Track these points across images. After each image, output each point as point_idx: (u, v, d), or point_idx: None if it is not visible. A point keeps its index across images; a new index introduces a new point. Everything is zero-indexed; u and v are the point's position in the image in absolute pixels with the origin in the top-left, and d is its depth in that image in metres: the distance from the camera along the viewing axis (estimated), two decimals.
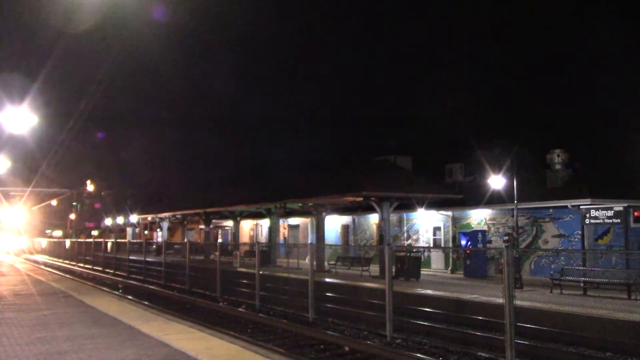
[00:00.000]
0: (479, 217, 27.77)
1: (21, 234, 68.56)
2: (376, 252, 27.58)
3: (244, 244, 40.64)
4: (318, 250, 27.22)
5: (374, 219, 31.53)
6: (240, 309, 18.17)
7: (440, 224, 29.75)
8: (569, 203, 23.49)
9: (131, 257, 33.99)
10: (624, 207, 21.39)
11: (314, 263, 18.16)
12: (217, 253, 25.31)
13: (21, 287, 19.53)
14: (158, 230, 61.31)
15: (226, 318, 16.73)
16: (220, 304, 19.75)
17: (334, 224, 35.80)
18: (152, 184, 74.29)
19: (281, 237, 40.25)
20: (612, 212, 21.36)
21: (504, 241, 19.22)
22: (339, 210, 32.92)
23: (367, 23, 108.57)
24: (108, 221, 76.17)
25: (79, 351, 8.66)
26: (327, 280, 23.53)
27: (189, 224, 50.76)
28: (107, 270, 35.44)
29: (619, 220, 21.57)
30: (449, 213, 28.84)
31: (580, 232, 23.32)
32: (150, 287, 25.82)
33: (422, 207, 28.09)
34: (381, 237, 25.97)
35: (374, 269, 26.44)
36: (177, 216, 47.09)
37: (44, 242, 65.23)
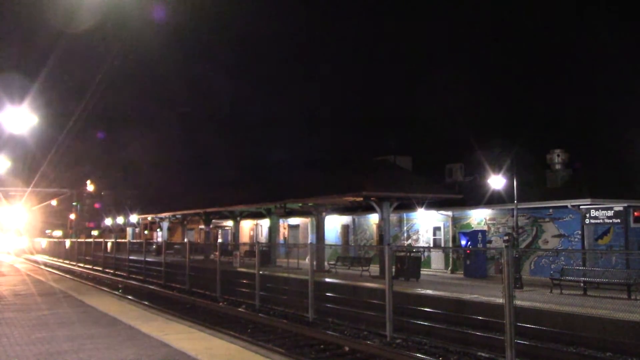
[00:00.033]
0: (479, 217, 27.76)
1: (21, 234, 68.52)
2: (376, 252, 27.57)
3: (244, 244, 40.64)
4: (318, 250, 27.22)
5: (374, 219, 31.53)
6: (240, 309, 18.16)
7: (440, 224, 29.75)
8: (569, 203, 23.49)
9: (131, 257, 33.98)
10: (624, 207, 21.40)
11: (314, 263, 18.16)
12: (217, 253, 25.31)
13: (21, 287, 19.53)
14: (158, 230, 61.32)
15: (226, 318, 16.72)
16: (220, 304, 19.74)
17: (334, 224, 35.80)
18: (152, 184, 74.37)
19: (281, 237, 40.24)
20: (612, 212, 21.37)
21: (504, 241, 19.20)
22: (339, 210, 32.93)
23: (367, 23, 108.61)
24: (108, 221, 76.22)
25: (79, 351, 8.66)
26: (327, 280, 23.53)
27: (189, 224, 50.73)
28: (107, 270, 35.45)
29: (619, 220, 21.57)
30: (449, 213, 28.84)
31: (580, 232, 23.32)
32: (150, 287, 25.81)
33: (422, 207, 28.10)
34: (381, 237, 25.98)
35: (374, 269, 26.43)
36: (177, 216, 47.09)
37: (44, 242, 65.22)
